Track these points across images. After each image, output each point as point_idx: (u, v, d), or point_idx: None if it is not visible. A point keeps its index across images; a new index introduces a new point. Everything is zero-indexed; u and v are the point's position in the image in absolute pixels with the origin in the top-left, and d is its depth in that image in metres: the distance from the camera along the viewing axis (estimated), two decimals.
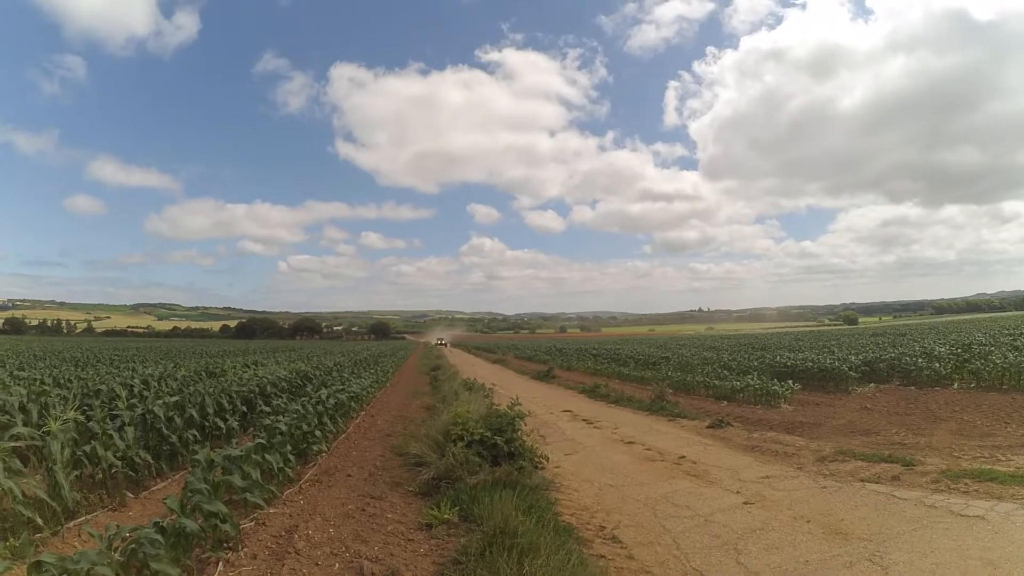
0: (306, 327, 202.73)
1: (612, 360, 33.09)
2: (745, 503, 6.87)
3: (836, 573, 4.83)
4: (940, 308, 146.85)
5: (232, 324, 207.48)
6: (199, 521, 4.11)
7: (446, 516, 5.96)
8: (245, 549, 4.65)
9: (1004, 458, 8.23)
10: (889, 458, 8.28)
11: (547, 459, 8.23)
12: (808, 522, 6.04)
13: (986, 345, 21.72)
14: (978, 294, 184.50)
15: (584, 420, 13.79)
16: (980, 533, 5.37)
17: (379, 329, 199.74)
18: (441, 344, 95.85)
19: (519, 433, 8.09)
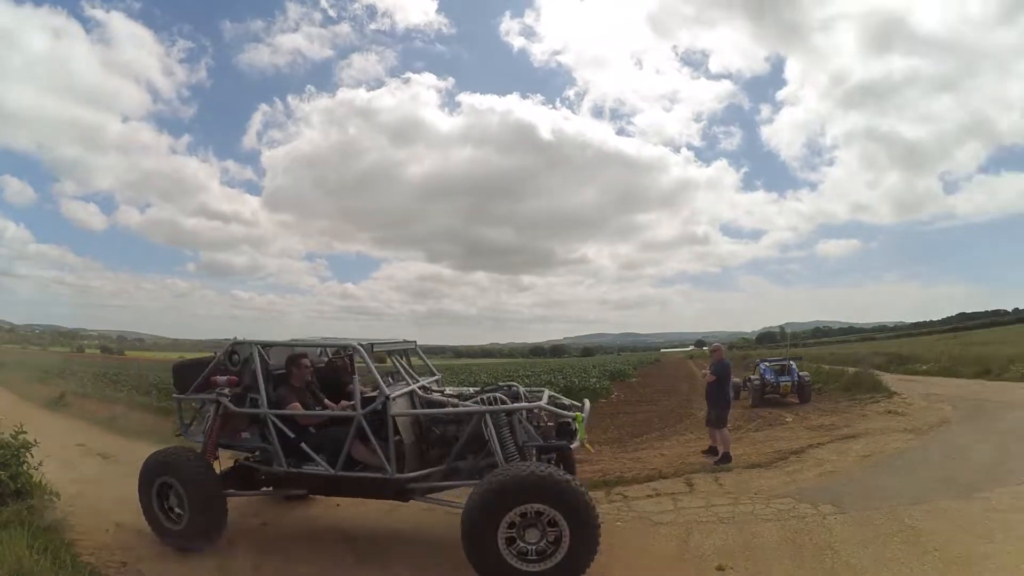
0: None
1: (134, 388, 29.29)
2: None
3: None
4: (459, 352, 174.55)
5: None
6: None
7: None
8: None
9: None
10: None
11: (59, 496, 7.23)
12: None
13: (487, 383, 27.49)
14: (492, 343, 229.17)
15: (100, 455, 12.19)
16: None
17: None
18: None
19: (25, 467, 6.95)
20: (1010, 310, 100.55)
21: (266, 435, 6.05)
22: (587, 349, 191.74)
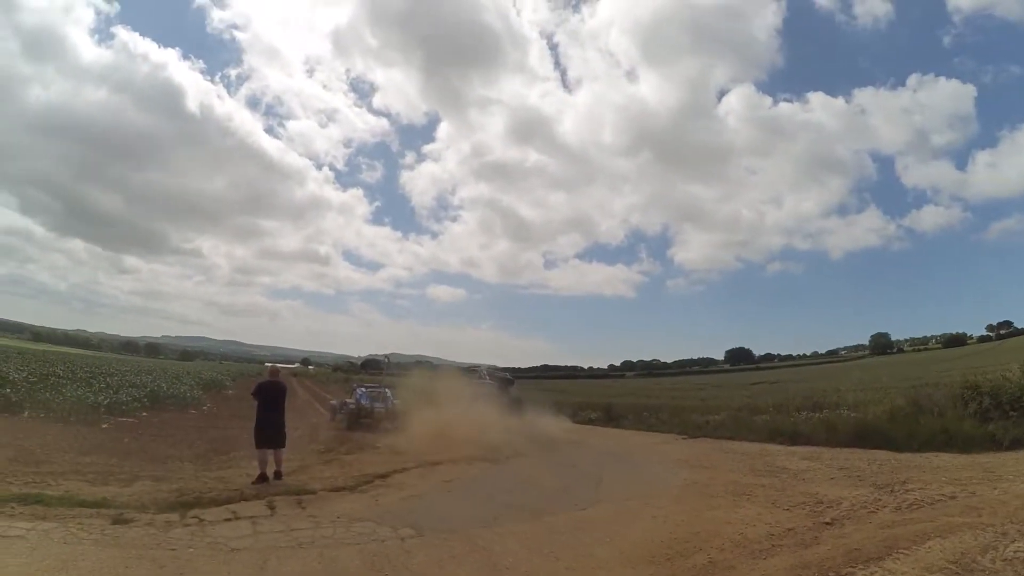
0: None
1: None
2: None
3: None
4: (38, 335, 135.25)
5: None
6: None
7: None
8: None
9: (55, 483, 8.53)
10: None
11: None
12: None
13: (63, 378, 22.66)
14: (80, 329, 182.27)
15: None
16: (18, 550, 5.48)
17: None
18: None
19: None
20: (585, 367, 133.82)
21: None
22: (187, 352, 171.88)
